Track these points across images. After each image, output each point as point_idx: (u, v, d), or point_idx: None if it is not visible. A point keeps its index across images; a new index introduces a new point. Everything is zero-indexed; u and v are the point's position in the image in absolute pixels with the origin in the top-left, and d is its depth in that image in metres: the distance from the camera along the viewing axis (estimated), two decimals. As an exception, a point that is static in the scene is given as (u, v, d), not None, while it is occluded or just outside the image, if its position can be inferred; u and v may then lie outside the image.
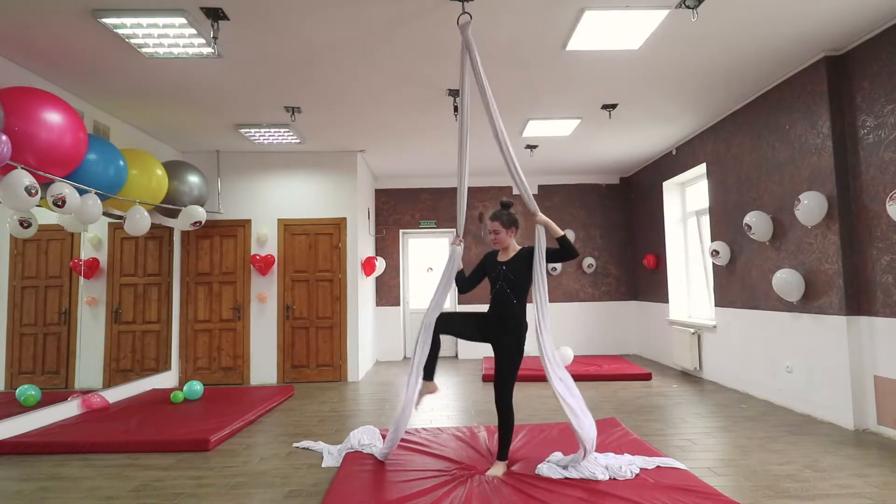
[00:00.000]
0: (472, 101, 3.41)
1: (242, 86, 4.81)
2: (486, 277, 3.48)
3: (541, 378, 6.43)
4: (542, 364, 3.24)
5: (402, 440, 3.92)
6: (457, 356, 8.66)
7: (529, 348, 3.40)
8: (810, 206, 4.33)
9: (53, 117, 3.78)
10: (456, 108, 5.12)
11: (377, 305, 8.53)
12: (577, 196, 8.81)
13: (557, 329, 8.50)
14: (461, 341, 8.47)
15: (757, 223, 4.98)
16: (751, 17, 3.76)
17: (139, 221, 5.01)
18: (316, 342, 6.86)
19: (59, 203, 3.99)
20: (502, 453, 3.34)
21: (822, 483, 3.10)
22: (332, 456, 3.70)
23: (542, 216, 3.35)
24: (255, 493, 3.14)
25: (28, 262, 4.84)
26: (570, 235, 8.60)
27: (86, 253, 5.30)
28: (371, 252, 8.21)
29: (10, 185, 3.54)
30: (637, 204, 8.51)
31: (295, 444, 4.04)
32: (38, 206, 3.90)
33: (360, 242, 7.20)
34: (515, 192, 8.74)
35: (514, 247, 3.45)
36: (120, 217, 5.17)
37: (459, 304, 8.28)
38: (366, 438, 3.92)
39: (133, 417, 4.66)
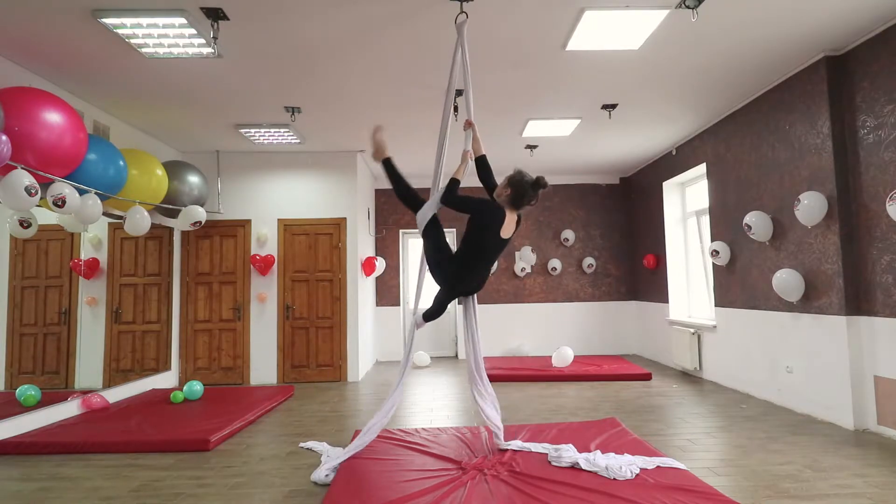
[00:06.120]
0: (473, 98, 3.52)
1: (242, 86, 4.81)
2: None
3: (541, 378, 6.48)
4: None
5: (403, 440, 3.92)
6: (457, 356, 8.66)
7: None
8: (810, 206, 4.33)
9: (53, 117, 3.78)
10: (456, 108, 5.12)
11: (377, 305, 8.53)
12: (577, 196, 8.81)
13: (557, 328, 8.51)
14: (461, 342, 8.46)
15: (757, 223, 4.98)
16: (751, 17, 3.76)
17: (139, 221, 5.01)
18: (316, 342, 6.86)
19: (59, 203, 3.99)
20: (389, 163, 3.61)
21: (822, 483, 3.10)
22: (325, 466, 3.42)
23: (470, 127, 3.52)
24: (255, 493, 3.14)
25: (28, 262, 4.84)
26: (570, 236, 8.59)
27: (86, 253, 5.30)
28: (371, 252, 8.21)
29: (10, 185, 3.54)
30: (637, 204, 8.51)
31: (301, 445, 4.04)
32: (38, 206, 3.90)
33: (360, 242, 7.20)
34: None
35: None
36: (120, 217, 5.17)
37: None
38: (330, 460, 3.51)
39: (133, 417, 4.66)
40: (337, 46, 4.08)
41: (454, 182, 3.36)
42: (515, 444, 3.69)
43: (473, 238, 3.30)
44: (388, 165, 3.61)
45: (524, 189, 3.23)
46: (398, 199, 3.59)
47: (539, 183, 3.23)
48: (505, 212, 3.26)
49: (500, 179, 3.51)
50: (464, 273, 3.39)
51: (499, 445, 3.67)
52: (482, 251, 3.34)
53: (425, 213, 3.45)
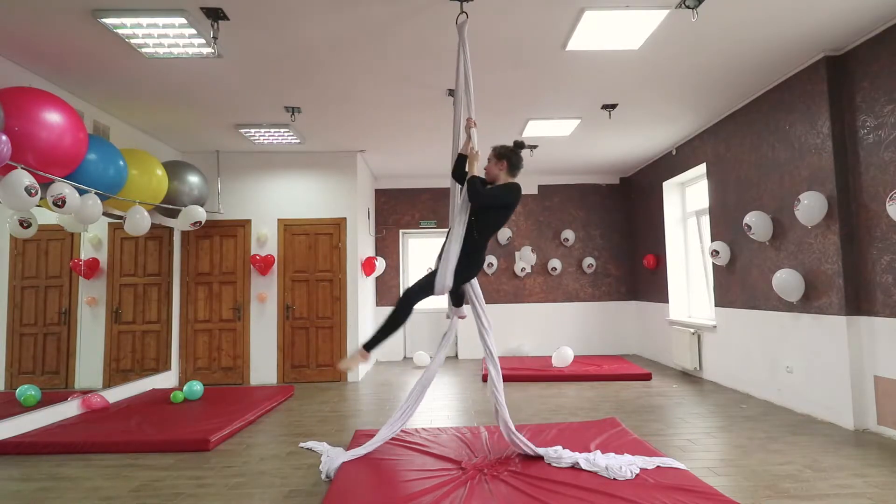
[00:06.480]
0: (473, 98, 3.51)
1: (242, 86, 4.81)
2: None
3: (541, 378, 6.48)
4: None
5: (403, 440, 3.92)
6: (457, 356, 8.65)
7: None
8: (810, 206, 4.33)
9: (53, 117, 3.78)
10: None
11: (377, 305, 8.52)
12: (577, 196, 8.81)
13: (557, 328, 8.52)
14: (460, 342, 8.47)
15: (757, 223, 4.98)
16: (751, 17, 3.76)
17: (139, 221, 5.01)
18: (316, 342, 6.86)
19: (59, 203, 3.99)
20: (369, 342, 3.39)
21: (822, 483, 3.10)
22: (326, 465, 3.45)
23: (473, 126, 3.43)
24: (255, 493, 3.14)
25: (28, 262, 4.84)
26: (570, 236, 8.59)
27: (86, 253, 5.30)
28: (371, 252, 8.21)
29: (10, 185, 3.54)
30: (637, 204, 8.51)
31: (301, 445, 4.04)
32: (38, 206, 3.90)
33: (360, 242, 7.20)
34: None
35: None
36: (120, 217, 5.17)
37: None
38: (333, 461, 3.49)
39: (133, 417, 4.66)
40: (337, 46, 4.08)
41: (475, 179, 3.28)
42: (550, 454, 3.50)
43: (496, 221, 3.35)
44: (373, 343, 3.39)
45: (514, 155, 3.43)
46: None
47: (519, 145, 3.46)
48: None
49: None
50: (472, 266, 3.39)
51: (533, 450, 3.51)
52: (493, 233, 3.43)
53: (444, 284, 3.26)
